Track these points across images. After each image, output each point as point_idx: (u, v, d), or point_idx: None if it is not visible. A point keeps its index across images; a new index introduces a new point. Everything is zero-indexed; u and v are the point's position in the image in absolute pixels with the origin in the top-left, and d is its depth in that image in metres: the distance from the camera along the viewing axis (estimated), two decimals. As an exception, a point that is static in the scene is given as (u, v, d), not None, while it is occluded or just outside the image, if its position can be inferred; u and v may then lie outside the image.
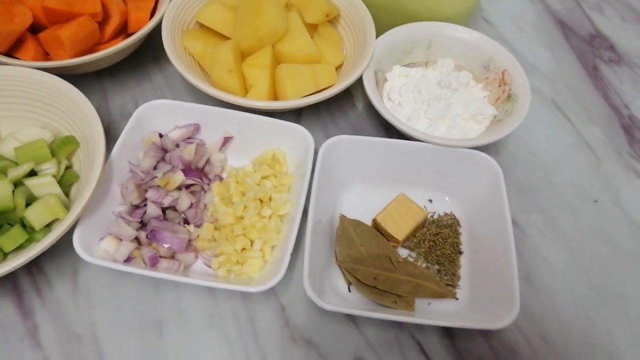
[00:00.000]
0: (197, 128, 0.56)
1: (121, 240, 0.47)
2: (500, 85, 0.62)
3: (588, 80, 0.72)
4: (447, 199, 0.57)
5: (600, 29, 0.80)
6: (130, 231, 0.48)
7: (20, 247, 0.48)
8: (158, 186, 0.50)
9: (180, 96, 0.65)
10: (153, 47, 0.66)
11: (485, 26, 0.78)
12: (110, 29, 0.61)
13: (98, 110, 0.61)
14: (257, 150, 0.57)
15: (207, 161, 0.55)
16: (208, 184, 0.54)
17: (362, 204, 0.56)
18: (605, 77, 0.73)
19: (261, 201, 0.52)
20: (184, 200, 0.50)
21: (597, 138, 0.66)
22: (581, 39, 0.78)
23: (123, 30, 0.63)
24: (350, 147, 0.54)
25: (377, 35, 0.62)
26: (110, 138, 0.59)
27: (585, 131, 0.66)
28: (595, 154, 0.64)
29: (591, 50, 0.76)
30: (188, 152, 0.52)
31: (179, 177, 0.50)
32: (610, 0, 0.84)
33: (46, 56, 0.59)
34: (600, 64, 0.75)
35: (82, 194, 0.46)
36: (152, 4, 0.63)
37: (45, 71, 0.54)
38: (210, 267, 0.49)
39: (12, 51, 0.57)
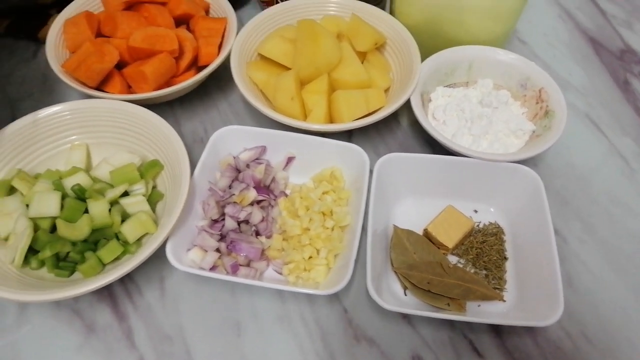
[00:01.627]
0: (263, 150, 0.63)
1: (206, 250, 0.54)
2: (537, 102, 0.67)
3: (619, 94, 0.77)
4: (491, 209, 0.62)
5: (630, 44, 0.84)
6: (213, 242, 0.55)
7: (116, 259, 0.56)
8: (235, 202, 0.57)
9: (244, 121, 0.72)
10: (218, 77, 0.73)
11: (520, 46, 0.83)
12: (184, 63, 0.68)
13: (173, 136, 0.69)
14: (316, 168, 0.63)
15: (273, 179, 0.62)
16: (274, 199, 0.60)
17: (413, 215, 0.62)
18: (637, 90, 0.77)
19: (324, 214, 0.58)
20: (257, 215, 0.57)
21: (629, 149, 0.70)
22: (612, 55, 0.82)
23: (194, 64, 0.71)
24: (401, 163, 0.60)
25: (422, 59, 0.68)
26: (186, 161, 0.67)
27: (619, 143, 0.71)
28: (629, 164, 0.68)
29: (622, 65, 0.80)
30: (259, 172, 0.59)
31: (252, 194, 0.57)
32: (638, 15, 0.88)
33: (129, 89, 0.67)
34: (631, 78, 0.79)
35: (172, 211, 0.53)
36: (220, 40, 0.70)
37: (131, 102, 0.62)
38: (280, 273, 0.56)
39: (102, 86, 0.66)
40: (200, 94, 0.74)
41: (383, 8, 0.80)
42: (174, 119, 0.72)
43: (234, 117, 0.73)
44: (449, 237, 0.58)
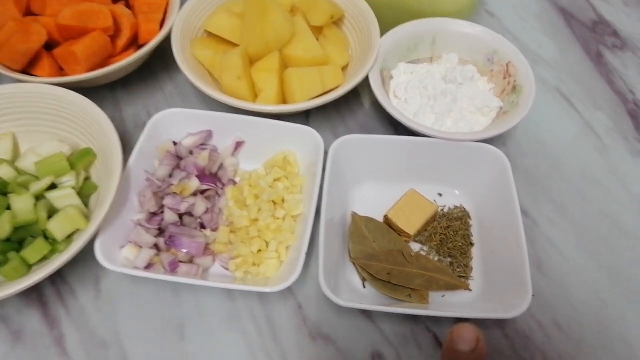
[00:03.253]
0: (209, 134, 0.57)
1: (141, 247, 0.49)
2: (504, 77, 0.63)
3: (592, 67, 0.73)
4: (456, 192, 0.58)
5: (602, 15, 0.80)
6: (149, 238, 0.49)
7: (43, 259, 0.50)
8: (174, 193, 0.51)
9: (191, 104, 0.67)
10: (163, 56, 0.68)
11: (488, 18, 0.78)
12: (121, 41, 0.62)
13: (112, 121, 0.63)
14: (268, 153, 0.58)
15: (220, 166, 0.57)
16: (222, 188, 0.55)
17: (372, 200, 0.57)
18: (610, 63, 0.73)
19: (274, 203, 0.53)
20: (200, 206, 0.52)
21: (603, 124, 0.66)
22: (584, 26, 0.78)
23: (134, 42, 0.65)
24: (358, 145, 0.56)
25: (382, 33, 0.63)
26: (125, 147, 0.60)
27: (591, 118, 0.67)
28: (602, 140, 0.65)
29: (594, 36, 0.77)
30: (202, 158, 0.54)
31: (194, 183, 0.52)
32: (612, -15, 0.84)
33: (60, 71, 0.61)
34: (603, 50, 0.75)
35: (102, 204, 0.48)
36: (161, 15, 0.64)
37: (61, 86, 0.56)
38: (227, 269, 0.51)
39: (28, 68, 0.59)
40: (144, 75, 0.68)
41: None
42: (114, 103, 0.66)
43: (181, 100, 0.67)
44: (410, 224, 0.53)
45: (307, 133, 0.56)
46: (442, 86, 0.62)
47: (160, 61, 0.69)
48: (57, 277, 0.52)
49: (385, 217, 0.55)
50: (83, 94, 0.55)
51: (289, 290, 0.52)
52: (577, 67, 0.73)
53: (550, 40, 0.76)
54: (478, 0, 0.69)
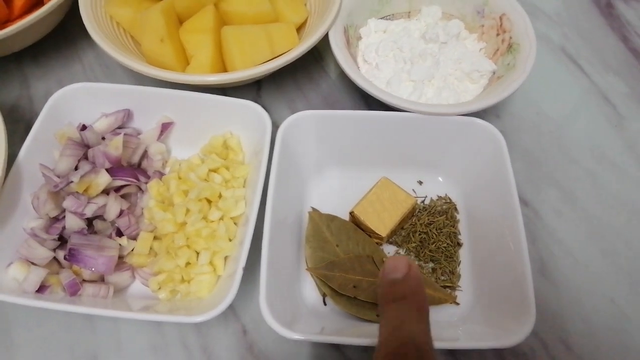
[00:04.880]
0: (127, 114, 0.46)
1: (32, 264, 0.38)
2: (498, 34, 0.51)
3: (602, 21, 0.61)
4: (440, 179, 0.47)
5: (613, -42, 0.67)
6: (44, 252, 0.38)
7: None
8: (77, 192, 0.40)
9: (117, 77, 0.54)
10: (81, 20, 0.55)
11: (478, -35, 0.66)
12: (19, 1, 0.49)
13: (18, 101, 0.52)
14: (206, 135, 0.47)
15: (144, 155, 0.45)
16: (146, 183, 0.44)
17: (336, 194, 0.46)
18: (622, 15, 0.61)
19: (208, 201, 0.42)
20: (112, 208, 0.40)
21: (616, 89, 0.55)
22: (591, -28, 0.66)
23: (38, 3, 0.52)
24: (317, 124, 0.44)
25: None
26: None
27: (603, 82, 0.55)
28: (616, 109, 0.53)
29: (604, -16, 0.64)
30: (114, 146, 0.42)
31: (103, 179, 0.40)
32: None
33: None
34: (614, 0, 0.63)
35: (-18, 210, 0.37)
36: (69, -35, 0.51)
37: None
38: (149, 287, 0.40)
39: None
40: (58, 43, 0.56)
41: None
42: (21, 79, 0.54)
43: (103, 73, 0.55)
44: (383, 222, 0.42)
45: (252, 110, 0.44)
46: (422, 46, 0.50)
47: (78, 25, 0.55)
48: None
49: (352, 214, 0.44)
50: None
51: (231, 311, 0.41)
52: (584, 20, 0.61)
53: (551, -12, 0.64)
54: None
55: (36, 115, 0.51)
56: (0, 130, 0.39)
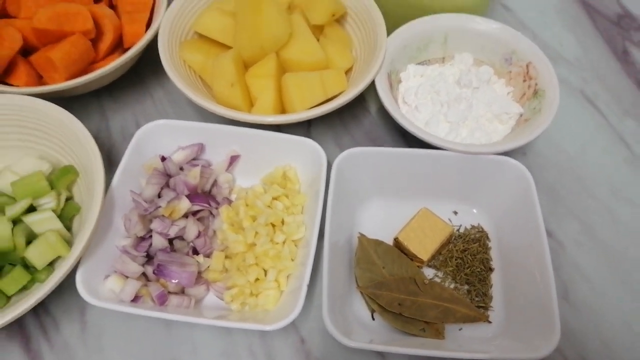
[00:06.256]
0: (201, 148, 0.52)
1: (127, 277, 0.44)
2: (525, 80, 0.57)
3: (618, 66, 0.67)
4: (474, 210, 0.53)
5: (627, 8, 0.74)
6: (135, 267, 0.45)
7: (23, 288, 0.46)
8: (163, 216, 0.47)
9: (184, 111, 0.61)
10: (152, 60, 0.62)
11: (504, 13, 0.72)
12: (104, 45, 0.57)
13: (98, 133, 0.59)
14: (267, 167, 0.53)
15: (214, 183, 0.52)
16: (216, 208, 0.50)
17: (382, 220, 0.52)
18: (638, 62, 0.67)
19: (273, 226, 0.48)
20: (192, 229, 0.47)
21: (632, 131, 0.61)
22: (608, 20, 0.72)
23: (119, 46, 0.59)
24: (365, 159, 0.51)
25: (389, 32, 0.57)
26: (113, 162, 0.56)
27: (619, 124, 0.61)
28: (631, 150, 0.59)
29: (620, 32, 0.71)
30: (193, 176, 0.49)
31: (185, 205, 0.47)
32: (638, -26, 0.78)
33: (40, 79, 0.56)
34: (630, 47, 0.69)
35: (83, 230, 0.43)
36: (148, 15, 0.59)
37: (39, 97, 0.51)
38: (222, 299, 0.46)
39: (4, 77, 0.54)
40: (132, 81, 0.63)
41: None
42: (100, 113, 0.61)
43: (172, 107, 0.62)
44: (424, 248, 0.48)
45: (308, 146, 0.51)
46: (457, 91, 0.57)
47: (149, 65, 0.63)
48: (40, 308, 0.48)
49: (396, 240, 0.50)
50: (66, 104, 0.51)
51: (291, 323, 0.47)
52: (603, 66, 0.67)
53: (572, 36, 0.70)
54: (494, -6, 0.63)
55: (115, 145, 0.58)
56: (100, 168, 0.46)
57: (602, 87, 0.64)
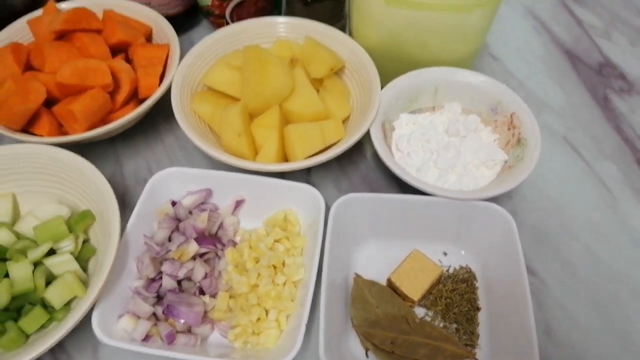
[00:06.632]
0: (209, 193, 0.57)
1: (139, 317, 0.48)
2: (509, 129, 0.62)
3: (599, 113, 0.71)
4: (462, 252, 0.57)
5: (609, 57, 0.79)
6: (147, 308, 0.48)
7: (41, 327, 0.49)
8: (173, 259, 0.50)
9: (192, 157, 0.66)
10: (164, 108, 0.67)
11: (492, 62, 0.77)
12: (121, 97, 0.62)
13: (113, 177, 0.63)
14: (270, 210, 0.57)
15: (220, 226, 0.56)
16: (222, 250, 0.54)
17: (376, 261, 0.56)
18: (617, 109, 0.72)
19: (275, 267, 0.52)
20: (199, 271, 0.51)
21: (611, 175, 0.65)
22: (590, 69, 0.77)
23: (134, 96, 0.64)
24: (361, 204, 0.55)
25: (383, 84, 0.62)
26: (126, 205, 0.61)
27: (599, 168, 0.65)
28: (611, 193, 0.63)
29: (601, 80, 0.75)
30: (201, 220, 0.53)
31: (193, 248, 0.51)
32: (618, 25, 0.83)
33: (61, 128, 0.61)
34: (611, 94, 0.74)
35: (100, 272, 0.47)
36: (161, 69, 0.64)
37: (60, 146, 0.55)
38: (226, 338, 0.50)
39: (28, 127, 0.59)
40: (145, 128, 0.68)
41: (343, 28, 0.74)
42: (115, 158, 0.66)
43: (182, 153, 0.66)
44: (415, 288, 0.52)
45: (307, 192, 0.55)
46: (445, 139, 0.61)
47: (161, 113, 0.68)
48: (55, 345, 0.51)
49: (389, 281, 0.53)
50: (83, 150, 0.55)
51: (289, 358, 0.50)
52: (584, 113, 0.71)
53: (556, 84, 0.75)
54: (479, 47, 0.68)
55: (128, 189, 0.63)
56: (116, 214, 0.50)
57: (584, 133, 0.69)
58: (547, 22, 0.84)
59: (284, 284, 0.51)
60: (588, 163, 0.66)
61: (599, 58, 0.78)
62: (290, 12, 0.74)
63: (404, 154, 0.62)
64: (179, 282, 0.51)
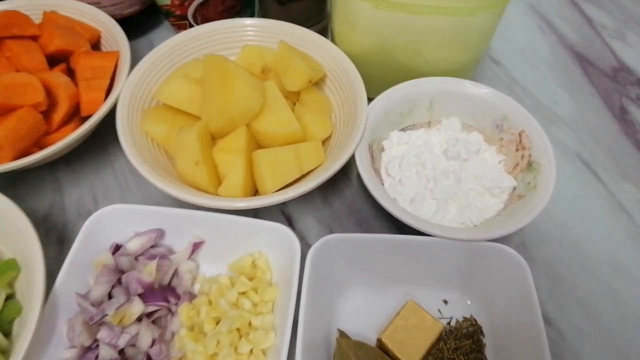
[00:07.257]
0: (160, 234, 0.47)
1: (67, 400, 0.39)
2: (517, 149, 0.53)
3: (616, 126, 0.63)
4: (468, 302, 0.48)
5: (623, 61, 0.70)
6: (79, 386, 0.39)
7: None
8: (111, 323, 0.41)
9: (147, 184, 0.56)
10: (113, 126, 0.57)
11: (494, 67, 0.68)
12: (58, 116, 0.52)
13: (51, 210, 0.53)
14: (235, 253, 0.48)
15: (175, 273, 0.47)
16: (176, 304, 0.45)
17: (363, 313, 0.47)
18: (636, 121, 0.63)
19: (238, 330, 0.43)
20: (145, 337, 0.41)
21: (633, 199, 0.56)
22: (604, 74, 0.68)
23: (75, 114, 0.54)
24: (344, 246, 0.45)
25: (371, 96, 0.53)
26: (66, 244, 0.51)
27: (619, 191, 0.57)
28: (633, 220, 0.55)
29: (616, 87, 0.67)
30: (148, 272, 0.43)
31: (137, 309, 0.41)
32: (632, 25, 0.74)
33: (-17, 155, 0.51)
34: (628, 104, 0.65)
35: (20, 341, 0.38)
36: (107, 82, 0.54)
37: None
38: (181, 419, 0.40)
39: (-58, 155, 0.49)
40: (91, 150, 0.58)
41: (325, 30, 0.65)
42: (55, 186, 0.55)
43: (133, 179, 0.56)
44: (410, 351, 0.43)
45: (280, 232, 0.45)
46: (443, 163, 0.52)
47: (110, 132, 0.57)
48: None
49: (379, 341, 0.44)
50: (16, 177, 0.45)
51: None
52: (599, 125, 0.63)
53: (565, 92, 0.66)
54: (482, 56, 0.59)
55: (69, 223, 0.53)
56: (41, 267, 0.40)
57: (599, 149, 0.60)
58: (554, 21, 0.75)
59: (251, 351, 0.41)
60: (606, 185, 0.57)
61: (613, 62, 0.70)
62: (264, 12, 0.64)
63: (395, 180, 0.52)
64: (122, 351, 0.42)
